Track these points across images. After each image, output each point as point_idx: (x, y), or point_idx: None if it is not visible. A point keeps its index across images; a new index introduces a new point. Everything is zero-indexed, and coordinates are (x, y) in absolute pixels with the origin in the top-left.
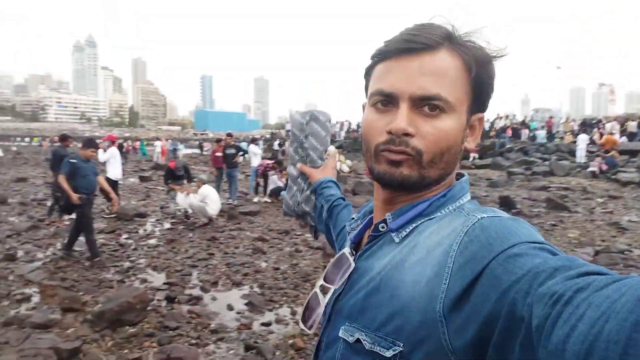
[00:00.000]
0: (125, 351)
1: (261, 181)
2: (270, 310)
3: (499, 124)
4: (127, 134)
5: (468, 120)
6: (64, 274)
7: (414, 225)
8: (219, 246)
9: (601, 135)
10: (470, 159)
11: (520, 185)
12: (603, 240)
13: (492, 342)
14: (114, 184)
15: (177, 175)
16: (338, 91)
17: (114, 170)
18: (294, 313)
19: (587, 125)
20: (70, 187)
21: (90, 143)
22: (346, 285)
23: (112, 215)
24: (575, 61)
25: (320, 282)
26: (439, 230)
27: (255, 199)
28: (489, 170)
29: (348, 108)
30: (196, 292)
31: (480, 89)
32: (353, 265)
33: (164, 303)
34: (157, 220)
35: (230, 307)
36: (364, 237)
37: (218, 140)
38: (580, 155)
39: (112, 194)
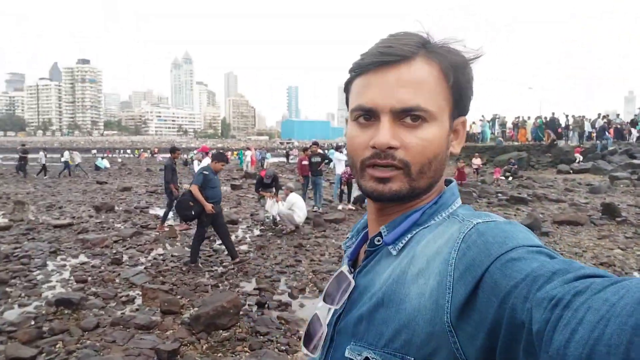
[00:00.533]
0: (219, 354)
1: (345, 188)
2: None
3: (600, 123)
4: (219, 145)
5: (451, 125)
6: (164, 277)
7: (409, 235)
8: (305, 253)
9: None
10: (576, 160)
11: (625, 191)
12: None
13: (497, 349)
14: None
15: (266, 184)
16: None
17: None
18: None
19: None
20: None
21: (221, 157)
22: (347, 304)
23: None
24: None
25: (320, 302)
26: (435, 239)
27: (340, 207)
28: (588, 174)
29: None
30: (285, 298)
31: (459, 93)
32: (353, 283)
33: (254, 308)
34: (248, 227)
35: None
36: (361, 253)
37: (305, 149)
38: None
39: (207, 205)
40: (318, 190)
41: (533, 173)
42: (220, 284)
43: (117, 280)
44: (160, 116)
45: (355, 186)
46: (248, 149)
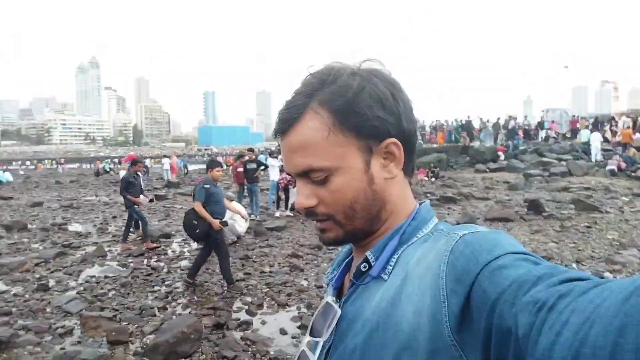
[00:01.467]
0: None
1: (282, 195)
2: None
3: (511, 124)
4: (131, 153)
5: (367, 160)
6: (102, 303)
7: (396, 256)
8: (253, 265)
9: (612, 133)
10: (500, 158)
11: (539, 187)
12: None
13: (492, 357)
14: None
15: None
16: None
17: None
18: None
19: (598, 124)
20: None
21: (215, 163)
22: (335, 336)
23: (138, 238)
24: (579, 60)
25: (307, 338)
26: (425, 255)
27: (277, 214)
28: (504, 173)
29: None
30: (243, 316)
31: (357, 127)
32: (339, 311)
33: (212, 330)
34: (184, 240)
35: (283, 331)
36: (345, 281)
37: (239, 156)
38: (596, 154)
39: (214, 222)
40: (255, 197)
41: (453, 173)
42: (168, 306)
43: (48, 310)
44: (65, 124)
45: (292, 192)
46: (165, 156)
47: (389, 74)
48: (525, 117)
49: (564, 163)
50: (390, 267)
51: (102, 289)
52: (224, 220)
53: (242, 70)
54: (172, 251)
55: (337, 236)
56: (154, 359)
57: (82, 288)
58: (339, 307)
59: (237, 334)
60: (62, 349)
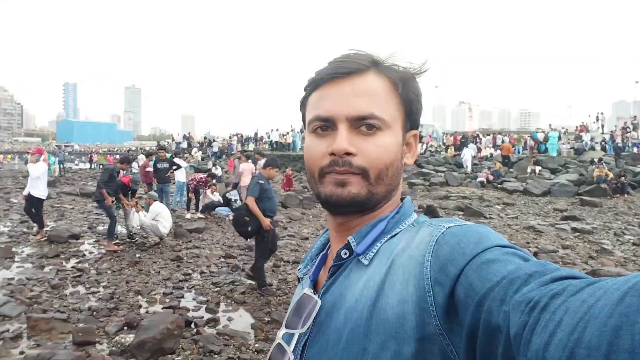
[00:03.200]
0: None
1: (192, 197)
2: None
3: None
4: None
5: (404, 137)
6: (40, 305)
7: (379, 244)
8: (188, 266)
9: (479, 149)
10: None
11: (423, 195)
12: (528, 243)
13: (477, 352)
14: (39, 203)
15: (133, 191)
16: (217, 102)
17: (44, 187)
18: None
19: (467, 140)
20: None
21: (275, 162)
22: (314, 327)
23: (44, 239)
24: (445, 80)
25: (283, 331)
26: (409, 244)
27: (188, 215)
28: None
29: (231, 120)
30: (203, 313)
31: (409, 106)
32: (319, 301)
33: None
34: (96, 241)
35: (254, 326)
36: (321, 274)
37: (149, 155)
38: (467, 166)
39: (265, 220)
40: (165, 198)
41: None
42: (118, 307)
43: None
44: None
45: (203, 194)
46: (27, 152)
47: None
48: None
49: (441, 174)
50: (372, 254)
51: (31, 291)
52: (274, 220)
53: (110, 62)
54: (90, 252)
55: (359, 193)
56: (140, 356)
57: (8, 291)
58: (319, 297)
59: (210, 330)
60: (22, 352)
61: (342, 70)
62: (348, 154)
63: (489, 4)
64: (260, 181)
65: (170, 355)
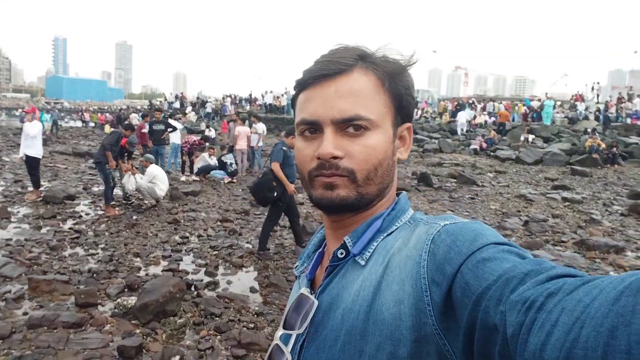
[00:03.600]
0: (189, 342)
1: (187, 159)
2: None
3: None
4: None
5: (395, 132)
6: (39, 266)
7: (375, 244)
8: (185, 229)
9: (474, 116)
10: None
11: (416, 161)
12: (519, 211)
13: (474, 351)
14: (35, 162)
15: (129, 152)
16: (210, 61)
17: (39, 146)
18: None
19: (461, 106)
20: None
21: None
22: (310, 328)
23: (39, 199)
24: (444, 46)
25: (280, 331)
26: (405, 243)
27: (182, 178)
28: None
29: (224, 80)
30: (202, 276)
31: (399, 100)
32: (316, 302)
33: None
34: (93, 202)
35: (253, 290)
36: (318, 273)
37: (144, 115)
38: (463, 129)
39: (290, 186)
40: (161, 160)
41: None
42: (118, 270)
43: None
44: None
45: (201, 156)
46: (17, 109)
47: None
48: None
49: (435, 141)
50: (368, 253)
51: (30, 252)
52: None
53: (101, 17)
54: (86, 214)
55: (348, 196)
56: (144, 318)
57: (7, 252)
58: (315, 297)
59: (210, 293)
60: (25, 313)
61: (325, 72)
62: (334, 157)
63: None
64: (284, 148)
65: (172, 318)
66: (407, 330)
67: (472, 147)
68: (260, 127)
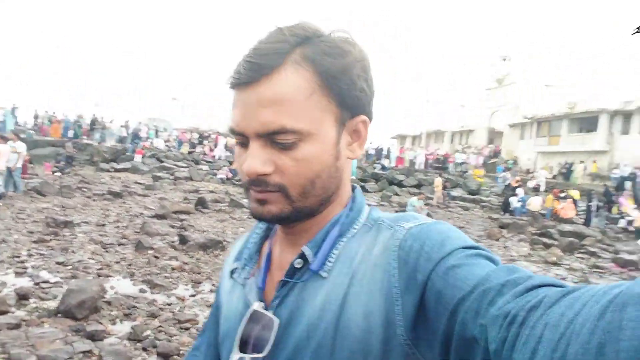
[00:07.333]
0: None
1: None
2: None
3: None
4: None
5: (341, 132)
6: None
7: (336, 252)
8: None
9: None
10: (135, 159)
11: (173, 188)
12: None
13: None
14: None
15: None
16: None
17: None
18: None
19: (204, 137)
20: None
21: None
22: (272, 348)
23: None
24: None
25: (237, 355)
26: (369, 250)
27: None
28: (129, 173)
29: None
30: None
31: (342, 94)
32: (277, 320)
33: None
34: None
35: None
36: (268, 281)
37: None
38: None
39: None
40: None
41: (75, 170)
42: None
43: None
44: None
45: None
46: None
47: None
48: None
49: (185, 169)
50: (330, 264)
51: None
52: None
53: None
54: None
55: (282, 212)
56: (80, 314)
57: None
58: (273, 313)
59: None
60: None
61: (249, 74)
62: (262, 174)
63: None
64: None
65: (103, 311)
66: (377, 343)
67: (219, 176)
68: (20, 145)
